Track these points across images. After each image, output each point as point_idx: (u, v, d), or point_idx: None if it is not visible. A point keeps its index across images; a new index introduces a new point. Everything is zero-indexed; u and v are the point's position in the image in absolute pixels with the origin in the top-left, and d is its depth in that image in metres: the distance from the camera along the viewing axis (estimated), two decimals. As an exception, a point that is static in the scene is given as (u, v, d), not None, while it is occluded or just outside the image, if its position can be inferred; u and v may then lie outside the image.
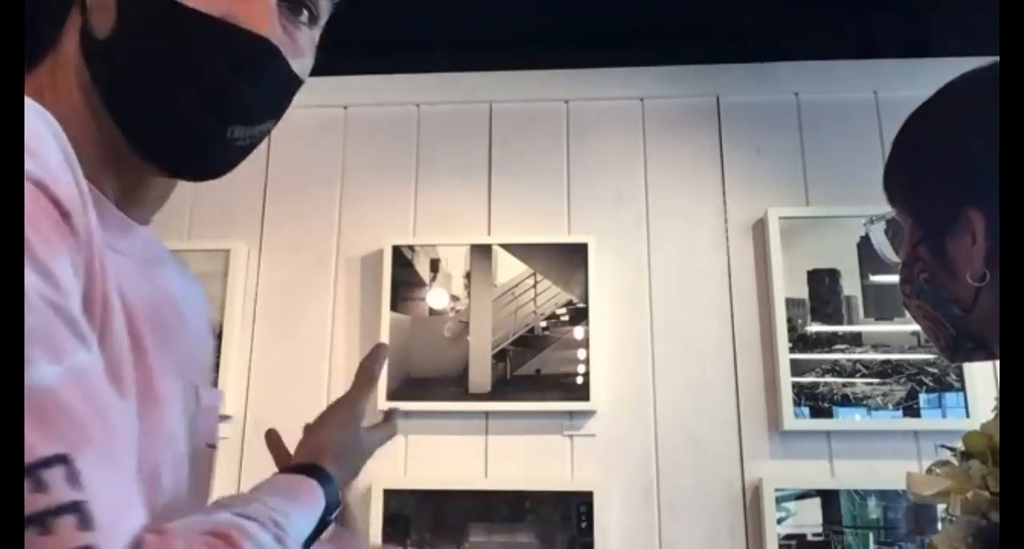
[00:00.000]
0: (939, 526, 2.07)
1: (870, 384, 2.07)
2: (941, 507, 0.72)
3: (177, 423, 0.64)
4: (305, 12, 0.65)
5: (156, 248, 0.70)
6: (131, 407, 0.57)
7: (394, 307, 2.19)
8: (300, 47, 0.65)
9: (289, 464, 0.80)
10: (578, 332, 2.15)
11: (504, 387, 2.13)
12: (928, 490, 0.76)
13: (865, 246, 2.14)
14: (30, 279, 0.45)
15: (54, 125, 0.51)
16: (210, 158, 0.63)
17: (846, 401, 2.06)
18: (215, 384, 0.76)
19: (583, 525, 2.02)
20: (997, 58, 0.72)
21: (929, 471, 0.78)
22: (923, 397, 2.05)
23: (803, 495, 2.02)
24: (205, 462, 0.71)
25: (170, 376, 0.64)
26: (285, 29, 0.63)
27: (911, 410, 2.04)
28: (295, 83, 0.65)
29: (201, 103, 0.60)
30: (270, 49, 0.61)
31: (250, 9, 0.60)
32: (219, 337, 2.16)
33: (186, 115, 0.60)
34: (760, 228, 2.22)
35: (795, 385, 2.07)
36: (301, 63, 0.65)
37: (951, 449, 0.79)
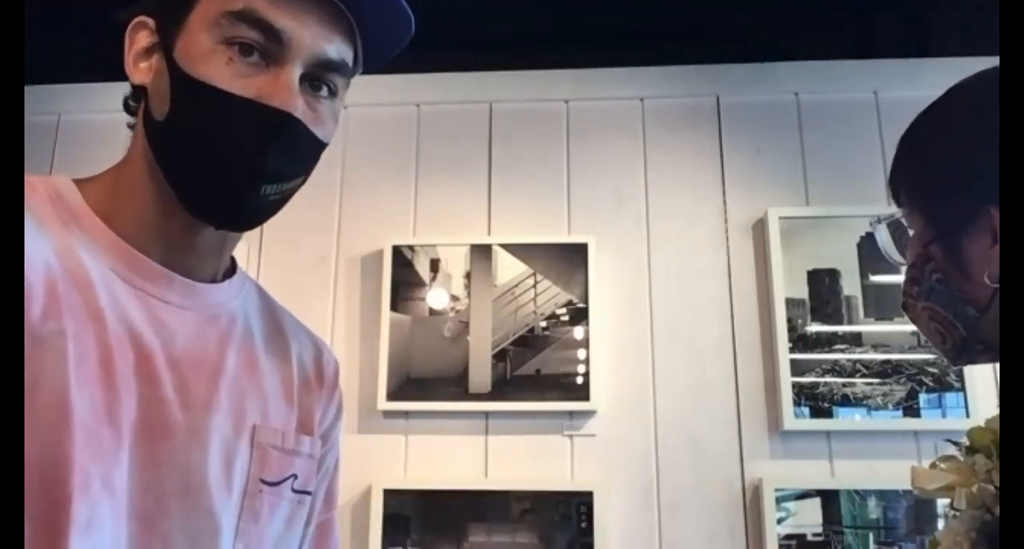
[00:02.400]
0: (939, 525, 2.06)
1: (870, 384, 2.07)
2: (943, 503, 0.72)
3: (198, 455, 0.73)
4: (325, 88, 0.77)
5: (231, 306, 0.83)
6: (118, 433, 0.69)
7: (394, 307, 2.19)
8: (322, 117, 0.77)
9: None
10: (578, 332, 2.15)
11: (504, 387, 2.13)
12: (932, 484, 0.76)
13: (865, 246, 2.14)
14: None
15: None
16: (246, 211, 0.76)
17: (846, 401, 2.06)
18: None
19: (583, 525, 2.02)
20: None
21: (933, 466, 0.78)
22: (923, 397, 2.05)
23: (803, 495, 2.02)
24: (255, 496, 0.78)
25: (200, 412, 0.75)
26: (308, 103, 0.75)
27: (911, 410, 2.04)
28: (319, 146, 0.77)
29: (238, 168, 0.73)
30: (292, 121, 0.73)
31: (276, 89, 0.72)
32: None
33: (226, 178, 0.73)
34: (760, 228, 2.22)
35: (795, 385, 2.07)
36: (323, 129, 0.77)
37: (955, 444, 0.79)
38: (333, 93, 0.78)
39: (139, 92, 0.78)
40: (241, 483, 0.77)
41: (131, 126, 0.80)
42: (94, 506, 0.66)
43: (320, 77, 0.76)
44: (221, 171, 0.73)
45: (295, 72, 0.73)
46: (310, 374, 0.90)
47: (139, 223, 0.76)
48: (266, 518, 0.79)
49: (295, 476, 0.83)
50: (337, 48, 0.76)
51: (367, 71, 0.83)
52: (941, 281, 0.77)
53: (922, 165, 0.80)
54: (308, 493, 0.85)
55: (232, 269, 0.86)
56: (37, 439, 0.64)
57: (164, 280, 0.77)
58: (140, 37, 0.77)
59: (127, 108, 0.80)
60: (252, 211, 0.76)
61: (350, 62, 0.78)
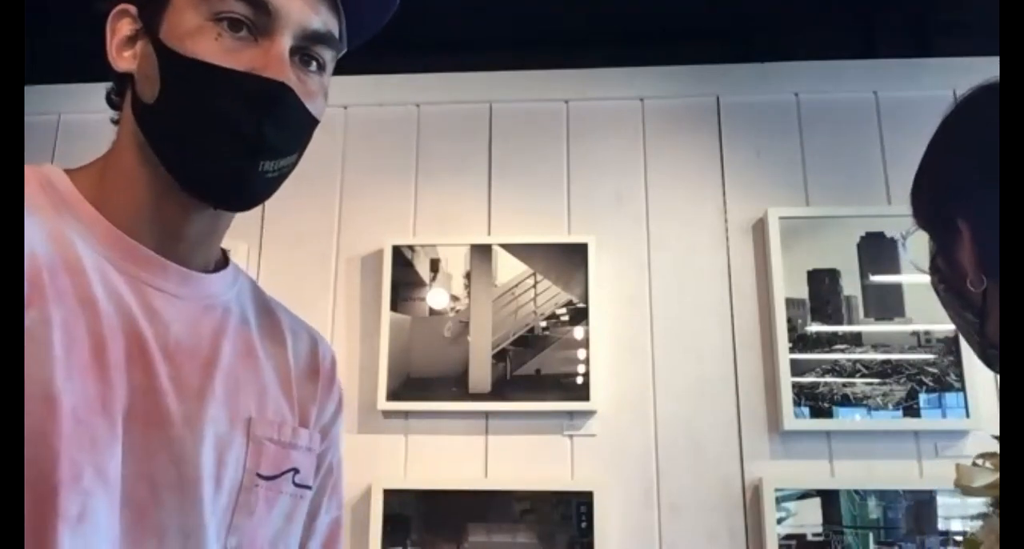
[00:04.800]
0: (939, 525, 2.05)
1: (870, 384, 2.07)
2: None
3: (190, 446, 0.72)
4: (314, 63, 0.77)
5: (225, 297, 0.82)
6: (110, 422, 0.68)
7: (394, 307, 2.19)
8: (312, 91, 0.77)
9: None
10: (578, 332, 2.15)
11: (504, 387, 2.13)
12: (978, 482, 0.76)
13: (865, 246, 2.14)
14: None
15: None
16: (245, 189, 0.75)
17: (846, 401, 2.06)
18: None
19: (583, 525, 2.02)
20: (988, 80, 0.77)
21: (975, 464, 0.78)
22: (923, 397, 2.05)
23: (803, 495, 2.02)
24: (250, 490, 0.77)
25: (195, 403, 0.74)
26: (299, 77, 0.75)
27: (911, 410, 2.04)
28: (311, 121, 0.77)
29: (235, 143, 0.72)
30: (286, 90, 0.73)
31: (268, 61, 0.72)
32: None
33: (223, 154, 0.73)
34: (760, 228, 2.22)
35: (795, 385, 2.07)
36: (314, 105, 0.77)
37: (999, 438, 0.78)
38: (322, 67, 0.78)
39: (123, 81, 0.77)
40: (236, 476, 0.76)
41: (115, 121, 0.80)
42: (87, 498, 0.65)
43: (308, 51, 0.76)
44: (218, 147, 0.72)
45: (285, 44, 0.74)
46: (306, 367, 0.89)
47: (131, 210, 0.76)
48: (262, 513, 0.78)
49: (296, 470, 0.81)
50: (324, 20, 0.76)
51: (351, 50, 0.83)
52: (947, 291, 0.81)
53: (919, 183, 0.86)
54: (309, 487, 0.83)
55: (224, 262, 0.85)
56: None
57: (159, 267, 0.76)
58: (122, 25, 0.77)
59: (110, 102, 0.80)
60: (251, 188, 0.75)
61: (336, 34, 0.79)
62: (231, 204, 0.77)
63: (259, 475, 0.78)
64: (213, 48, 0.71)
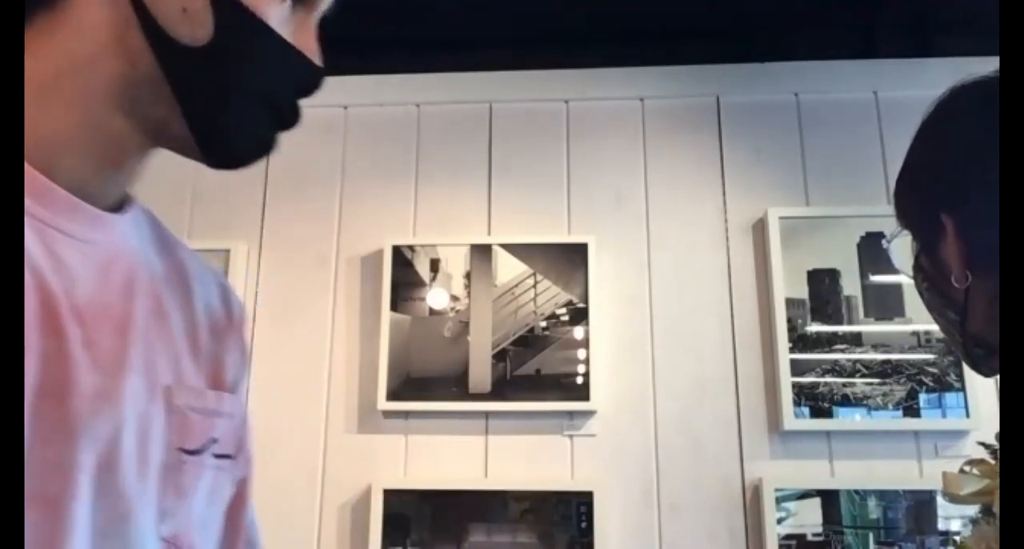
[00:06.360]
0: (939, 525, 2.05)
1: (870, 384, 2.07)
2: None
3: (110, 425, 0.61)
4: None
5: (132, 243, 0.70)
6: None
7: (394, 307, 2.19)
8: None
9: None
10: (578, 332, 2.15)
11: (504, 387, 2.13)
12: (966, 489, 0.75)
13: (865, 246, 2.14)
14: None
15: None
16: (254, 158, 0.70)
17: (846, 401, 2.06)
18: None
19: (583, 525, 2.02)
20: (967, 79, 0.78)
21: (962, 471, 0.78)
22: (923, 397, 2.05)
23: (803, 495, 2.02)
24: (177, 469, 0.67)
25: (111, 373, 0.62)
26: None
27: (911, 410, 2.04)
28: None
29: (269, 115, 0.68)
30: (322, 75, 0.70)
31: (307, 39, 0.69)
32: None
33: (256, 122, 0.68)
34: (760, 228, 2.22)
35: (795, 385, 2.07)
36: None
37: (987, 446, 0.78)
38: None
39: None
40: (160, 456, 0.65)
41: None
42: None
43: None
44: (255, 114, 0.68)
45: (317, 19, 0.70)
46: (219, 320, 0.77)
47: (63, 136, 0.63)
48: (191, 494, 0.68)
49: (215, 440, 0.71)
50: None
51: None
52: (929, 290, 0.81)
53: (902, 181, 0.86)
54: (230, 457, 0.73)
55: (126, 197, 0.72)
56: None
57: (66, 206, 0.62)
58: None
59: None
60: (254, 156, 0.70)
61: None
62: (227, 166, 0.71)
63: (184, 450, 0.67)
64: (272, 12, 0.66)
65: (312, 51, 0.69)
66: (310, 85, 0.69)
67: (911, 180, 0.84)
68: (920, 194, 0.81)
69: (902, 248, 0.86)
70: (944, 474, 0.78)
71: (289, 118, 0.70)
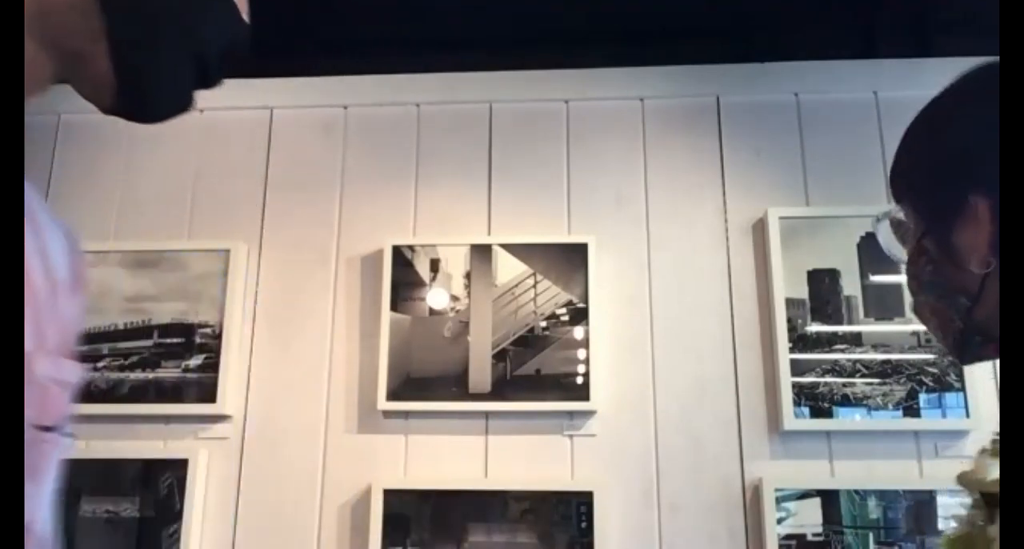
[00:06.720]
0: (939, 525, 2.05)
1: (870, 384, 2.07)
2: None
3: None
4: None
5: None
6: None
7: (394, 307, 2.19)
8: None
9: None
10: (578, 332, 2.15)
11: (504, 387, 2.13)
12: (993, 474, 0.73)
13: (865, 246, 2.14)
14: None
15: None
16: (166, 112, 0.68)
17: (846, 401, 2.06)
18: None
19: (583, 525, 2.02)
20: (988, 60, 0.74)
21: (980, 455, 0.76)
22: (923, 397, 2.05)
23: (803, 495, 2.02)
24: (35, 448, 0.58)
25: None
26: None
27: (911, 410, 2.04)
28: None
29: (190, 68, 0.67)
30: (249, 36, 0.69)
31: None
32: (218, 337, 2.16)
33: (175, 73, 0.66)
34: (760, 228, 2.22)
35: (795, 385, 2.07)
36: None
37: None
38: None
39: None
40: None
41: None
42: None
43: None
44: (179, 63, 0.66)
45: None
46: (68, 277, 0.68)
47: None
48: (46, 476, 0.61)
49: (69, 415, 0.63)
50: None
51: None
52: (935, 273, 0.78)
53: (910, 160, 0.82)
54: (71, 435, 0.64)
55: None
56: None
57: None
58: None
59: None
60: (173, 112, 0.69)
61: None
62: (141, 118, 0.69)
63: (41, 427, 0.59)
64: None
65: (243, 7, 0.68)
66: (238, 42, 0.68)
67: (932, 160, 0.79)
68: (950, 171, 0.77)
69: (895, 227, 0.84)
70: (971, 462, 0.75)
71: (212, 75, 0.68)
